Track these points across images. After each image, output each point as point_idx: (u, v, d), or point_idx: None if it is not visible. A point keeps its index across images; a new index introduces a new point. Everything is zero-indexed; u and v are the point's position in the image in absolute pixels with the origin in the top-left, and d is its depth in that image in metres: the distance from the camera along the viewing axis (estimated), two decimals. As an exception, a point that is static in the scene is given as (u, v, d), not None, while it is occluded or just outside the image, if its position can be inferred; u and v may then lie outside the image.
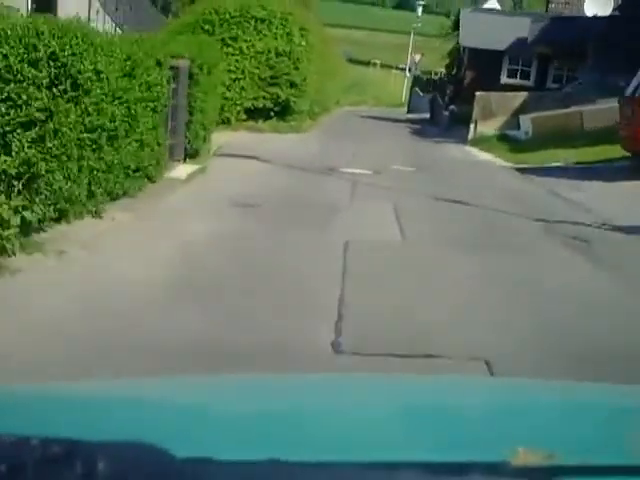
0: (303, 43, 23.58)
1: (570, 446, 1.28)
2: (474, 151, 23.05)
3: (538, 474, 1.09)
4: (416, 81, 52.39)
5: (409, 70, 70.53)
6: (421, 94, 48.64)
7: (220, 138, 18.84)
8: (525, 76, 33.14)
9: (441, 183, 14.53)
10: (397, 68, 79.25)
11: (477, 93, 25.54)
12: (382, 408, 1.60)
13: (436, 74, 50.63)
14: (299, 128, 24.25)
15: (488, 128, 24.92)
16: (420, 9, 66.84)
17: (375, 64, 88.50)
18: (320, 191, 12.88)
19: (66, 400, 1.56)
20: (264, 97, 22.89)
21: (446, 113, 32.75)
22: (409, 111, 51.14)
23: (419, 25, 77.05)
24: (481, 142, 24.20)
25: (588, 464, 1.11)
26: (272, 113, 23.28)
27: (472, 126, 25.08)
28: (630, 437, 1.39)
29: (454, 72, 40.14)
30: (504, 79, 33.19)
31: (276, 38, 22.95)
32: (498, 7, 45.77)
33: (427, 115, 41.39)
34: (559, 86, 31.41)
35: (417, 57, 54.51)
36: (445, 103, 33.69)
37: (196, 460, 1.07)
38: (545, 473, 1.09)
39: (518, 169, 18.28)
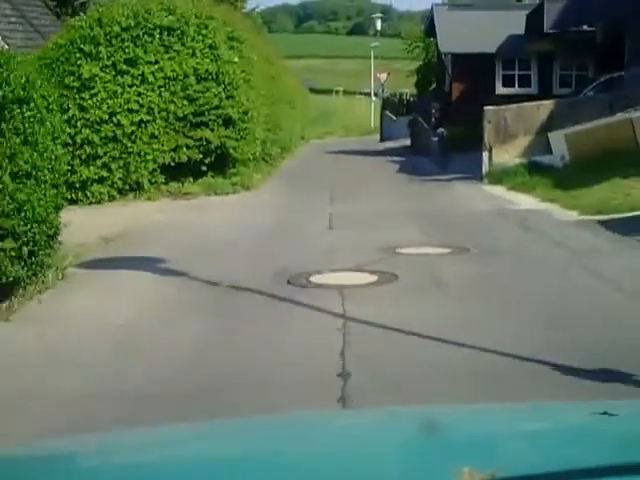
0: (236, 59, 15.77)
1: (512, 462, 1.33)
2: (503, 193, 15.28)
3: None
4: (386, 104, 44.91)
5: (375, 94, 63.02)
6: (394, 118, 41.06)
7: (107, 219, 11.13)
8: (525, 82, 25.59)
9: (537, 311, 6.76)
10: (361, 93, 71.68)
11: (486, 109, 17.85)
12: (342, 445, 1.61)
13: (408, 96, 43.11)
14: (246, 184, 16.47)
15: (507, 155, 17.27)
16: (379, 22, 59.46)
17: (338, 92, 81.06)
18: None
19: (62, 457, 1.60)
20: (188, 145, 15.04)
21: (435, 139, 25.11)
22: (383, 139, 43.52)
23: (377, 45, 69.93)
24: (505, 177, 16.50)
25: (527, 476, 1.13)
26: (204, 167, 15.51)
27: (485, 155, 17.39)
28: (565, 448, 1.46)
29: (433, 87, 32.60)
30: (500, 88, 25.64)
31: (194, 54, 15.12)
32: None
33: (407, 142, 33.76)
34: (571, 91, 23.84)
35: (383, 76, 47.03)
36: (431, 125, 25.98)
37: None
38: None
39: (606, 225, 10.57)
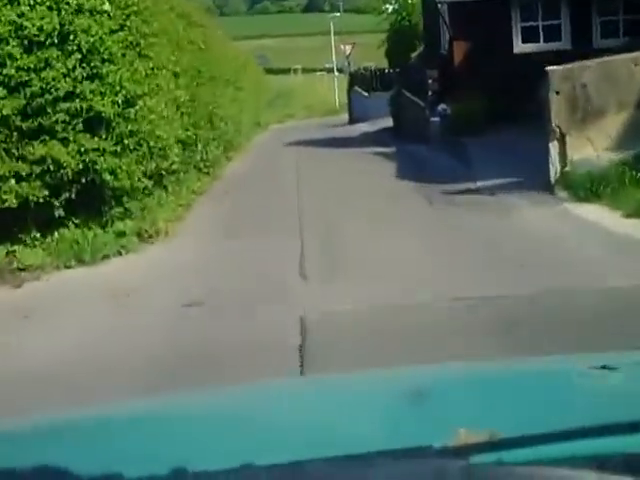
0: (106, 6, 7.96)
1: (510, 421, 1.26)
2: (634, 232, 7.63)
3: (480, 452, 1.00)
4: (354, 79, 37.15)
5: (339, 70, 55.19)
6: (365, 94, 33.30)
7: None
8: (552, 34, 18.00)
9: None
10: (323, 70, 63.65)
11: (551, 70, 10.08)
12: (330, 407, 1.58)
13: (380, 69, 35.13)
14: (149, 231, 8.79)
15: (591, 146, 9.75)
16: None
17: (296, 70, 73.13)
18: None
19: (64, 430, 1.55)
20: (19, 175, 7.42)
21: (434, 119, 17.48)
22: (353, 119, 35.83)
23: (337, 15, 62.08)
24: (599, 186, 8.93)
25: (528, 435, 1.05)
26: (58, 211, 7.88)
27: (554, 147, 9.79)
28: (563, 404, 1.39)
29: (419, 52, 24.93)
30: (519, 45, 18.04)
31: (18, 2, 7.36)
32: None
33: (387, 123, 26.16)
34: (625, 41, 16.35)
35: (347, 48, 39.16)
36: (427, 101, 18.23)
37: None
38: (487, 450, 1.01)
39: None
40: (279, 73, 74.29)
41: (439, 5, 18.27)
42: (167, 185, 11.14)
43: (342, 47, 38.72)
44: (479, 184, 11.08)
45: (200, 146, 13.57)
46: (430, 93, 18.12)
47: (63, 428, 1.57)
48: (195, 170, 13.82)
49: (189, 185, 12.51)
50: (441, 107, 17.71)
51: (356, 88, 36.51)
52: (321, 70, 63.66)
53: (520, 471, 0.95)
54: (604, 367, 1.52)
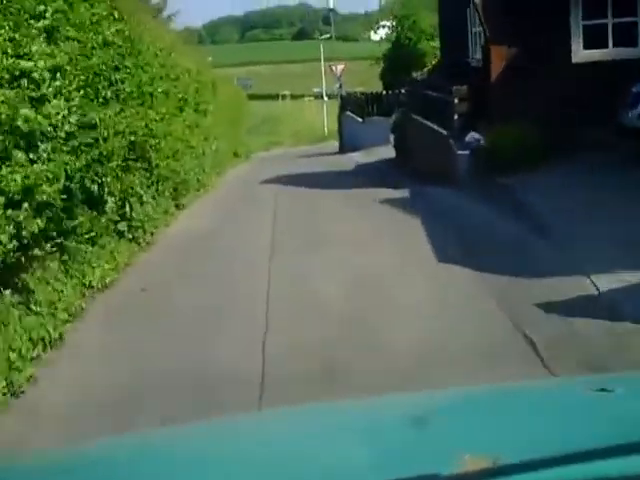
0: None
1: (512, 445, 1.24)
2: None
3: (487, 478, 1.00)
4: (346, 103, 31.74)
5: (327, 96, 50.02)
6: (359, 120, 27.81)
7: None
8: (623, 37, 12.51)
9: None
10: (310, 96, 58.21)
11: None
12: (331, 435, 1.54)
13: (375, 93, 29.58)
14: None
15: None
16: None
17: (285, 96, 67.70)
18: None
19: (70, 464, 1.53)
20: None
21: (463, 152, 12.00)
22: (344, 148, 30.39)
23: (328, 37, 56.93)
24: None
25: (530, 460, 1.04)
26: None
27: None
28: (563, 428, 1.38)
29: (433, 65, 19.45)
30: (580, 51, 12.50)
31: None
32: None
33: (385, 153, 20.74)
34: None
35: (339, 68, 33.68)
36: (454, 127, 12.63)
37: None
38: (492, 476, 1.01)
39: None
40: (267, 99, 69.41)
41: (471, 3, 12.78)
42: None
43: (333, 68, 33.32)
44: (599, 284, 5.55)
45: (112, 200, 8.01)
46: (456, 117, 12.60)
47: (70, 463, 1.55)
48: (110, 236, 8.27)
49: (84, 271, 6.95)
50: (472, 136, 12.22)
51: (348, 113, 31.04)
52: (309, 96, 58.16)
53: None
54: (602, 390, 1.50)
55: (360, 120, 27.70)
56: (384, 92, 26.97)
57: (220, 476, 1.27)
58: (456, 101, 12.52)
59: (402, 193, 12.24)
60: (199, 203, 13.61)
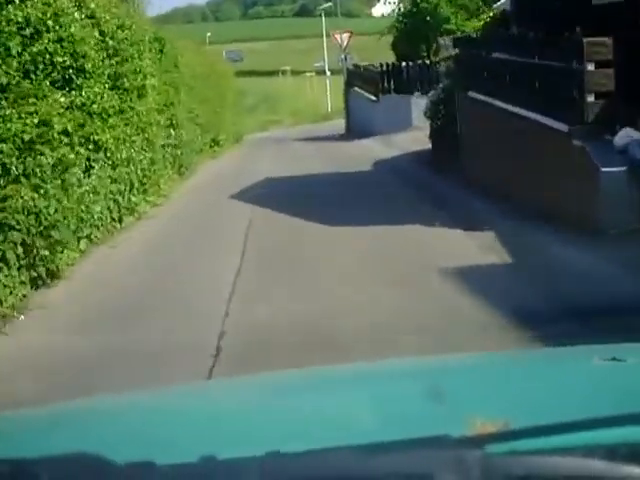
0: None
1: (523, 411, 1.21)
2: None
3: (495, 442, 0.95)
4: (353, 78, 25.20)
5: (330, 71, 43.36)
6: (372, 98, 21.24)
7: None
8: None
9: None
10: (311, 72, 51.31)
11: None
12: (344, 397, 1.52)
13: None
14: None
15: None
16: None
17: (285, 72, 60.75)
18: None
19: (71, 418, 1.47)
20: None
21: (611, 170, 5.68)
22: (351, 132, 23.90)
23: (329, 5, 50.05)
24: None
25: (540, 425, 0.99)
26: None
27: None
28: (574, 395, 1.36)
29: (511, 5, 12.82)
30: None
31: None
32: None
33: (412, 142, 14.36)
34: None
35: (344, 37, 26.82)
36: (586, 117, 6.21)
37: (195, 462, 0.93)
38: (502, 440, 0.96)
39: None
40: (267, 75, 62.82)
41: None
42: None
43: (337, 37, 26.66)
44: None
45: None
46: (590, 98, 6.10)
47: (91, 414, 1.50)
48: None
49: None
50: (627, 136, 5.74)
51: (356, 89, 24.49)
52: (311, 71, 51.28)
53: (533, 460, 0.91)
54: (614, 359, 1.46)
55: (373, 99, 21.16)
56: (404, 63, 20.35)
57: (226, 435, 1.20)
58: (590, 68, 6.04)
59: (496, 243, 5.81)
60: (136, 231, 7.25)
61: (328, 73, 44.10)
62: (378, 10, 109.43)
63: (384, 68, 20.88)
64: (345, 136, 24.00)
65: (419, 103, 19.14)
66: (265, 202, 9.27)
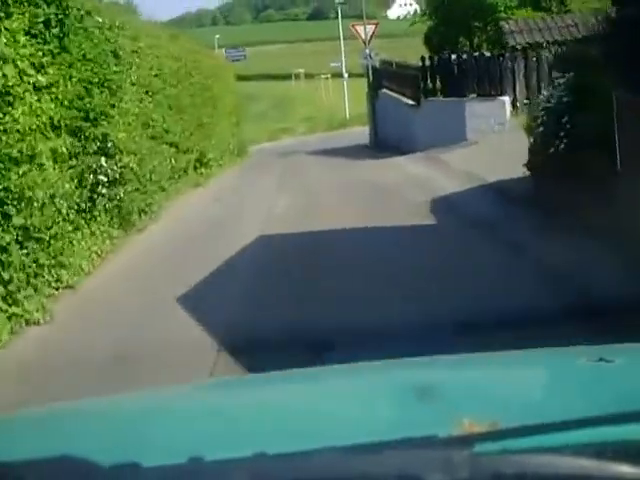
0: None
1: (511, 412, 1.20)
2: None
3: (484, 442, 0.93)
4: (381, 77, 19.78)
5: (347, 74, 38.23)
6: (409, 103, 15.84)
7: None
8: None
9: None
10: (326, 74, 45.82)
11: None
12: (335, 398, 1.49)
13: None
14: None
15: None
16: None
17: (299, 75, 55.47)
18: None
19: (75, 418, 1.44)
20: None
21: None
22: (379, 144, 18.54)
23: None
24: None
25: (528, 425, 0.97)
26: None
27: None
28: (561, 395, 1.34)
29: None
30: None
31: None
32: None
33: (483, 166, 8.97)
34: None
35: (370, 28, 21.38)
36: None
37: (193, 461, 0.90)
38: (490, 440, 0.94)
39: None
40: (280, 79, 58.06)
41: None
42: None
43: (359, 29, 21.22)
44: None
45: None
46: None
47: (78, 416, 1.46)
48: None
49: None
50: None
51: (385, 92, 19.08)
52: (326, 73, 45.78)
53: (522, 459, 0.89)
54: (601, 359, 1.43)
55: (411, 103, 15.72)
56: (454, 56, 14.88)
57: (218, 438, 1.16)
58: None
59: None
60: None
61: (345, 75, 38.76)
62: (394, 12, 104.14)
63: (426, 63, 15.39)
64: (371, 150, 18.60)
65: (475, 109, 13.74)
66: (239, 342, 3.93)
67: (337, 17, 63.44)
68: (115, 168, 7.96)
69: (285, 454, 0.92)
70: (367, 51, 20.43)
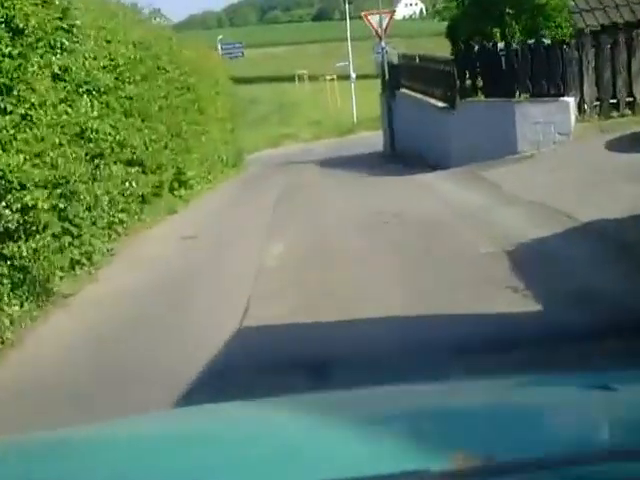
0: None
1: (507, 444, 1.12)
2: None
3: (477, 477, 0.90)
4: (399, 75, 16.68)
5: (355, 75, 35.21)
6: (442, 105, 12.74)
7: None
8: None
9: None
10: (331, 75, 42.60)
11: None
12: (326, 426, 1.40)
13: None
14: None
15: None
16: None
17: (302, 77, 52.40)
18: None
19: (63, 447, 1.40)
20: None
21: None
22: (397, 153, 15.44)
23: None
24: None
25: (524, 460, 0.93)
26: None
27: None
28: (561, 427, 1.26)
29: None
30: None
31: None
32: None
33: (536, 194, 5.93)
34: None
35: (385, 19, 18.22)
36: None
37: None
38: (484, 476, 0.91)
39: None
40: (284, 80, 55.07)
41: None
42: None
43: (371, 20, 18.05)
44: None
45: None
46: None
47: (67, 444, 1.41)
48: None
49: None
50: None
51: (405, 92, 15.95)
52: (331, 75, 42.57)
53: None
54: (605, 387, 1.33)
55: (443, 106, 12.54)
56: (501, 44, 11.68)
57: (215, 465, 1.14)
58: None
59: None
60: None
61: (353, 76, 35.66)
62: (400, 12, 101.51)
63: (461, 55, 12.20)
64: (388, 161, 15.45)
65: (529, 113, 10.62)
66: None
67: (341, 18, 60.23)
68: (8, 212, 4.85)
69: None
70: (382, 44, 17.24)
